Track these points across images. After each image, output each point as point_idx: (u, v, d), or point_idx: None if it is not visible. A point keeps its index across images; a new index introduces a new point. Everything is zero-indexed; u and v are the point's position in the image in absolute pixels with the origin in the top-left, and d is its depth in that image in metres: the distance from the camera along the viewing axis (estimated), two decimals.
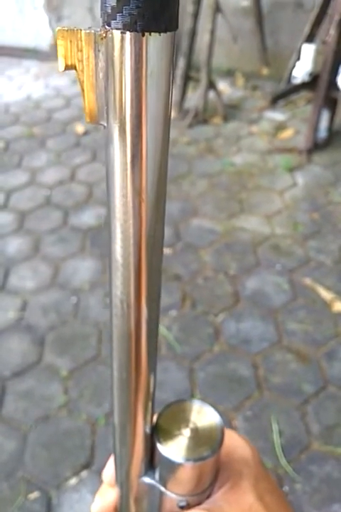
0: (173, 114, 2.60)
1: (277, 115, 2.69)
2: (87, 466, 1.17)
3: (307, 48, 2.14)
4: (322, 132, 2.32)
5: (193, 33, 2.57)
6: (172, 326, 1.48)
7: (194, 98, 2.64)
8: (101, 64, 0.17)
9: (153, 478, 0.29)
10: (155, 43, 0.16)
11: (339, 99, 2.23)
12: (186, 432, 0.27)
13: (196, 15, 2.51)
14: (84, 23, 3.58)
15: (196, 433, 0.27)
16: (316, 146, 2.31)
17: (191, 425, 0.28)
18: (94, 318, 1.53)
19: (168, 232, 1.82)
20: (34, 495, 1.13)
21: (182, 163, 2.27)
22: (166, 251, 1.73)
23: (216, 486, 0.28)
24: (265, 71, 3.02)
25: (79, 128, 2.63)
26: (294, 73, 2.21)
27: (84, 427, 1.25)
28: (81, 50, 0.17)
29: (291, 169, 2.22)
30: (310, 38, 2.18)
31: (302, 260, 1.70)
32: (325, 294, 1.55)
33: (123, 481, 0.30)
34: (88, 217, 1.97)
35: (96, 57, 0.17)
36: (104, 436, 1.23)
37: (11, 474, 1.15)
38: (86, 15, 3.52)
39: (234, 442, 0.29)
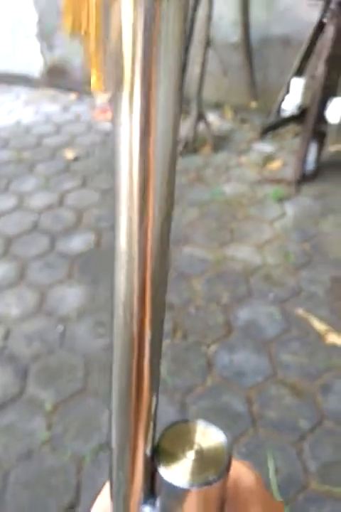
0: None
1: (265, 147, 2.72)
2: (71, 507, 1.10)
3: (296, 82, 2.19)
4: (310, 164, 2.35)
5: (184, 66, 2.61)
6: (164, 356, 1.43)
7: (184, 128, 2.66)
8: (111, 27, 0.16)
9: (154, 507, 0.26)
10: (168, 4, 0.15)
11: (327, 133, 2.27)
12: (190, 455, 0.24)
13: (186, 48, 2.56)
14: (76, 53, 3.62)
15: (201, 455, 0.24)
16: (304, 178, 2.34)
17: (196, 447, 0.25)
18: (81, 348, 1.48)
19: None
20: None
21: None
22: None
23: None
24: (253, 105, 3.08)
25: (69, 154, 2.61)
26: (283, 106, 2.25)
27: (69, 465, 1.17)
28: (89, 13, 0.17)
29: (280, 199, 2.23)
30: (299, 72, 2.23)
31: (294, 290, 1.69)
32: (318, 326, 1.53)
33: (119, 510, 0.27)
34: (76, 244, 1.93)
35: (106, 19, 0.16)
36: (90, 475, 1.15)
37: None
38: (78, 45, 3.56)
39: (237, 470, 0.27)
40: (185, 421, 0.26)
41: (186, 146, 2.62)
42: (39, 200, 2.21)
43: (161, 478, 0.24)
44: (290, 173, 2.39)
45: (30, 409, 1.30)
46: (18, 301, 1.66)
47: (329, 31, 2.12)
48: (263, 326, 1.54)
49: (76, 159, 2.58)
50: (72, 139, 2.81)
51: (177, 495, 0.24)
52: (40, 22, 3.61)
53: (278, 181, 2.36)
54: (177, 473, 0.24)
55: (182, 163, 2.53)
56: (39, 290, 1.70)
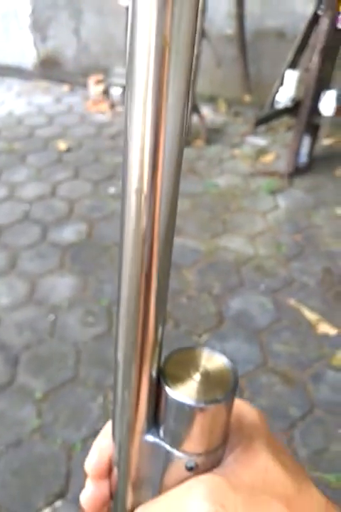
0: None
1: (259, 140, 2.72)
2: (61, 495, 1.09)
3: (290, 74, 2.19)
4: (303, 157, 2.35)
5: None
6: None
7: None
8: None
9: (158, 436, 0.25)
10: None
11: (320, 125, 2.27)
12: (196, 376, 0.24)
13: None
14: (69, 45, 3.59)
15: (207, 378, 0.24)
16: (297, 171, 2.34)
17: (201, 370, 0.24)
18: (72, 337, 1.47)
19: None
20: None
21: None
22: None
23: (226, 451, 0.25)
24: (247, 98, 3.07)
25: (62, 145, 2.59)
26: (277, 98, 2.25)
27: (59, 453, 1.17)
28: None
29: (273, 192, 2.23)
30: (293, 65, 2.23)
31: (286, 281, 1.69)
32: (310, 316, 1.53)
33: (123, 439, 0.26)
34: (68, 234, 1.91)
35: None
36: (80, 463, 1.14)
37: None
38: (71, 36, 3.54)
39: (240, 407, 0.27)
40: (189, 348, 0.26)
41: None
42: (31, 191, 2.19)
43: (167, 398, 0.23)
44: (283, 166, 2.39)
45: (20, 397, 1.29)
46: (9, 290, 1.64)
47: (324, 23, 2.12)
48: (254, 316, 1.54)
49: (68, 150, 2.56)
50: (65, 131, 2.78)
51: (184, 415, 0.23)
52: (33, 13, 3.58)
53: (271, 174, 2.36)
54: (183, 392, 0.23)
55: None
56: (30, 279, 1.69)
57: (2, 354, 1.41)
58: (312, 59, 2.14)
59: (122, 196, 0.20)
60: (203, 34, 2.52)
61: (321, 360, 1.39)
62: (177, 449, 0.24)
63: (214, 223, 2.00)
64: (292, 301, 1.59)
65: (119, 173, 2.32)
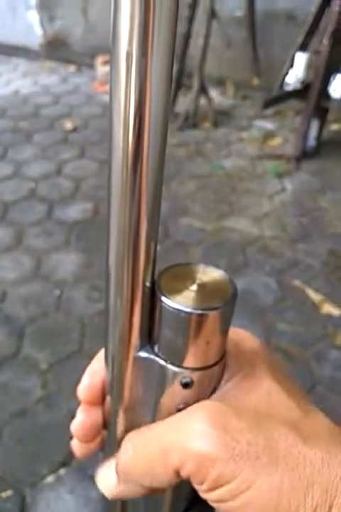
0: None
1: (266, 124, 2.70)
2: (65, 463, 1.11)
3: (300, 56, 2.16)
4: (311, 141, 2.34)
5: (188, 37, 2.57)
6: None
7: (185, 102, 2.63)
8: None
9: (152, 352, 0.24)
10: None
11: (329, 109, 2.25)
12: (193, 287, 0.22)
13: (191, 19, 2.52)
14: (77, 25, 3.56)
15: (204, 288, 0.22)
16: (305, 155, 2.32)
17: (198, 281, 0.23)
18: (77, 311, 1.48)
19: None
20: (7, 493, 1.06)
21: (171, 164, 2.25)
22: None
23: (224, 378, 0.24)
24: (255, 81, 3.04)
25: (68, 124, 2.58)
26: (287, 80, 2.23)
27: (63, 422, 1.18)
28: None
29: (280, 175, 2.22)
30: (303, 47, 2.20)
31: (291, 262, 1.69)
32: (314, 296, 1.53)
33: (116, 355, 0.24)
34: (74, 212, 1.92)
35: None
36: None
37: None
38: (79, 16, 3.51)
39: (240, 334, 0.26)
40: (183, 263, 0.24)
41: (186, 119, 2.59)
42: (36, 169, 2.19)
43: (162, 307, 0.22)
44: (290, 150, 2.37)
45: (25, 368, 1.31)
46: (15, 265, 1.65)
47: (335, 5, 2.08)
48: (259, 296, 1.54)
49: (74, 130, 2.55)
50: (71, 110, 2.77)
51: (180, 323, 0.22)
52: None
53: (279, 157, 2.35)
54: (180, 301, 0.22)
55: (181, 136, 2.51)
56: (36, 255, 1.69)
57: (8, 327, 1.42)
58: (323, 41, 2.11)
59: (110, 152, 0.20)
60: (213, 15, 2.49)
61: (324, 340, 1.39)
62: (172, 364, 0.23)
63: (221, 204, 2.00)
64: (296, 282, 1.59)
65: None
